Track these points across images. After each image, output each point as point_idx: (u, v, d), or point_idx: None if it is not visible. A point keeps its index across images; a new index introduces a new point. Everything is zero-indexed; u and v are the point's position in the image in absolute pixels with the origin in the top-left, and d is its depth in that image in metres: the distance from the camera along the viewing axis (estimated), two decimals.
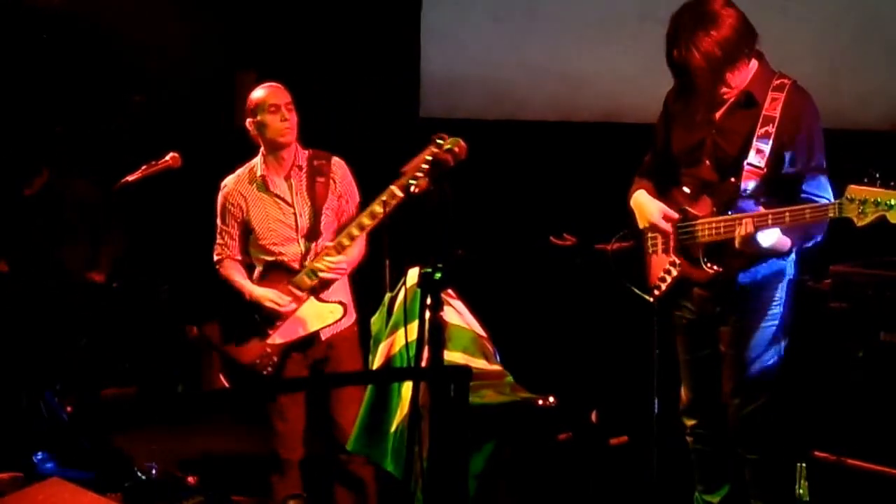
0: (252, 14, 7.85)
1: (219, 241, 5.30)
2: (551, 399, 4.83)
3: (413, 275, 4.87)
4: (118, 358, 6.67)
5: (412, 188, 4.38)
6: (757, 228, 4.12)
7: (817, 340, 4.94)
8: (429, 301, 3.86)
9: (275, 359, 5.13)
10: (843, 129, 5.13)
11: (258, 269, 5.24)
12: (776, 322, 4.41)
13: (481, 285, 5.31)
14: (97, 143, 7.32)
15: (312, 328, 5.14)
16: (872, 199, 3.83)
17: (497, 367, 4.91)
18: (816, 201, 4.17)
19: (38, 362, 5.97)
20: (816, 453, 4.81)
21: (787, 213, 4.07)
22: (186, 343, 7.18)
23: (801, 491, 4.66)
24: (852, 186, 3.88)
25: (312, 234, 5.13)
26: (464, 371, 3.90)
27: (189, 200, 7.41)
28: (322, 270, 5.06)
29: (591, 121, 6.69)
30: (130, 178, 5.35)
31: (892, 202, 3.81)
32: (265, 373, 5.12)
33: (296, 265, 5.13)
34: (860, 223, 3.87)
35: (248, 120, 5.15)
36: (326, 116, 7.60)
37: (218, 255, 5.31)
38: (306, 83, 7.66)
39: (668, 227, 4.46)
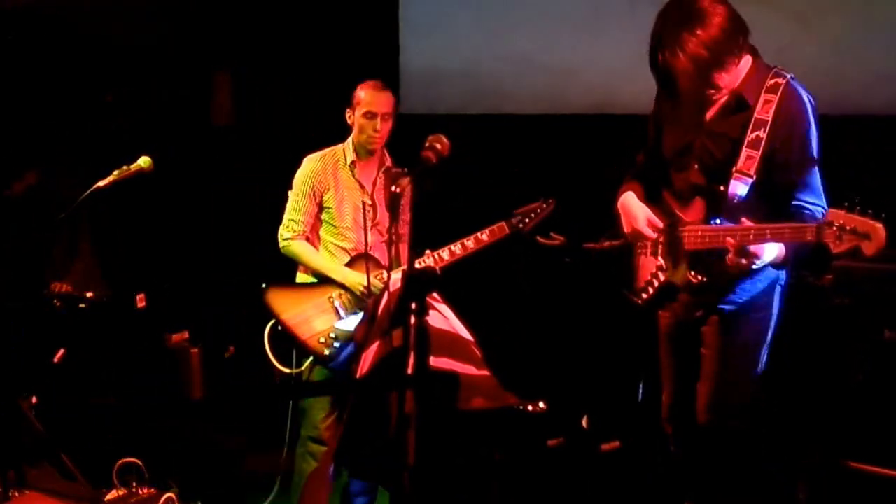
0: (228, 12, 7.74)
1: (293, 217, 5.37)
2: (541, 405, 4.76)
3: (396, 279, 4.78)
4: (96, 368, 6.56)
5: (520, 228, 5.16)
6: (741, 244, 3.97)
7: (819, 338, 4.83)
8: (413, 306, 3.75)
9: (338, 343, 5.17)
10: (848, 114, 5.03)
11: (332, 256, 5.31)
12: (758, 327, 4.29)
13: (467, 288, 5.21)
14: (69, 144, 7.20)
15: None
16: (850, 228, 3.68)
17: (485, 373, 4.82)
18: (810, 210, 4.05)
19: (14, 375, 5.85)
20: (818, 455, 4.70)
21: (769, 231, 3.92)
22: (165, 351, 7.09)
23: (801, 494, 4.58)
24: (833, 211, 3.74)
25: (395, 234, 5.12)
26: (451, 378, 3.81)
27: (164, 204, 7.32)
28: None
29: (579, 113, 6.60)
30: (102, 183, 5.24)
31: (868, 234, 3.65)
32: (323, 353, 5.15)
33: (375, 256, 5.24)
34: (836, 250, 3.74)
35: (348, 109, 5.33)
36: (305, 113, 7.50)
37: (291, 231, 5.37)
38: (284, 80, 7.60)
39: (652, 234, 4.33)
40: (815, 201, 4.07)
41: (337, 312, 5.20)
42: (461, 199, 6.39)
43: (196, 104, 7.82)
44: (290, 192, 5.41)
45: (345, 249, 5.30)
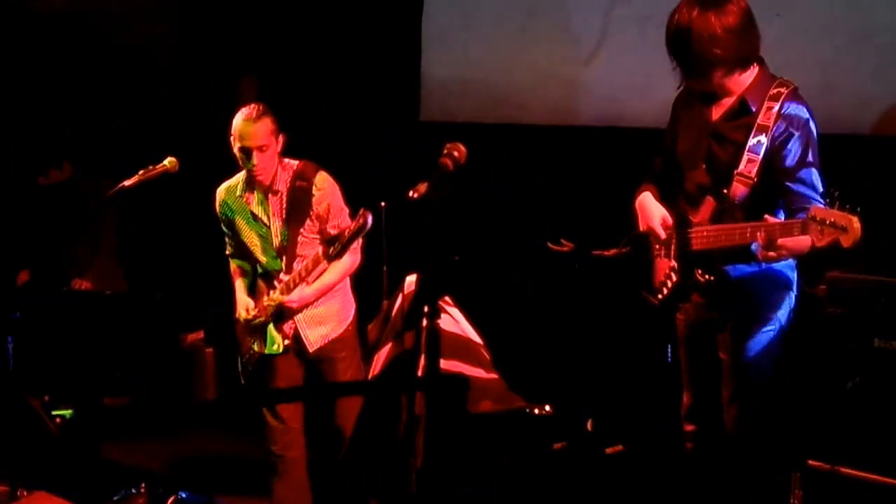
0: (254, 18, 7.83)
1: (226, 239, 5.36)
2: (547, 408, 4.81)
3: (410, 282, 4.85)
4: (111, 367, 6.64)
5: (334, 255, 4.63)
6: (750, 241, 4.09)
7: (813, 346, 4.90)
8: (426, 309, 3.81)
9: (250, 367, 5.22)
10: (837, 133, 5.09)
11: (265, 282, 5.27)
12: (774, 329, 4.37)
13: (478, 292, 5.28)
14: (95, 144, 7.29)
15: (267, 351, 5.15)
16: (830, 221, 3.80)
17: (494, 376, 4.89)
18: (800, 199, 4.13)
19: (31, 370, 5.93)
20: (811, 462, 4.76)
21: (763, 228, 4.02)
22: (180, 351, 7.15)
23: (794, 501, 4.63)
24: (815, 207, 3.89)
25: (290, 255, 5.08)
26: (460, 380, 3.87)
27: (188, 206, 7.41)
28: (270, 304, 5.05)
29: (592, 125, 6.64)
30: (127, 182, 5.29)
31: (844, 226, 3.77)
32: (247, 373, 5.23)
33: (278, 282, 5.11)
34: (819, 244, 3.86)
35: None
36: (326, 120, 7.59)
37: (227, 252, 5.38)
38: (306, 87, 7.69)
39: (664, 233, 4.44)
40: (807, 192, 4.15)
41: (242, 336, 5.26)
42: (476, 206, 6.47)
43: (221, 108, 7.89)
44: None
45: (265, 274, 5.24)
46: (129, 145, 7.30)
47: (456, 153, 3.97)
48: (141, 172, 5.26)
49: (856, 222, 3.77)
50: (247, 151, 4.97)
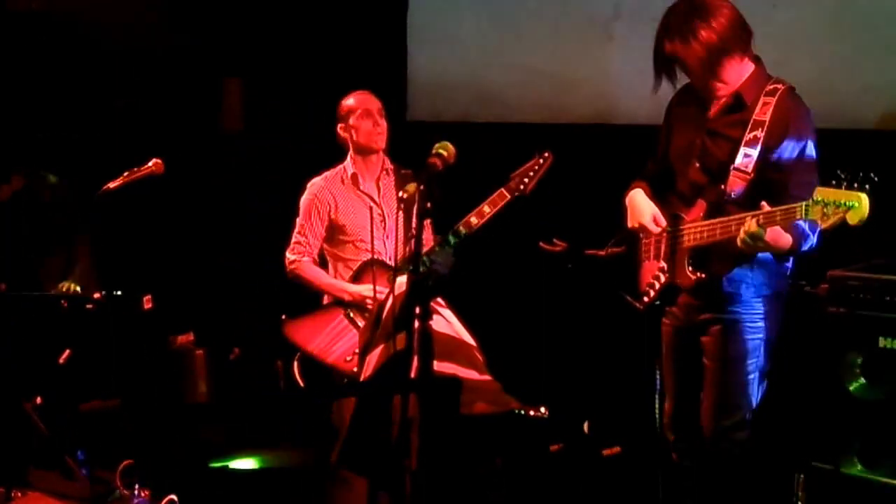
0: (238, 19, 7.79)
1: (299, 239, 5.39)
2: (543, 410, 4.79)
3: (401, 283, 4.81)
4: (101, 370, 6.59)
5: (521, 190, 5.08)
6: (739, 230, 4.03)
7: (815, 346, 4.86)
8: (417, 310, 3.80)
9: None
10: (838, 128, 5.06)
11: (349, 271, 5.31)
12: (760, 336, 4.32)
13: (470, 293, 5.25)
14: (79, 147, 7.24)
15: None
16: (834, 201, 3.74)
17: (487, 378, 4.85)
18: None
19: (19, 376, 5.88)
20: (815, 463, 4.72)
21: (761, 217, 3.97)
22: (169, 353, 7.10)
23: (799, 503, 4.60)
24: (819, 188, 3.81)
25: (405, 235, 5.12)
26: (453, 382, 3.84)
27: (172, 207, 7.36)
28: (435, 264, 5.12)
29: (581, 122, 6.61)
30: (112, 184, 5.30)
31: (853, 203, 3.71)
32: (353, 371, 5.12)
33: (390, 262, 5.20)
34: (824, 226, 3.79)
35: (339, 125, 5.36)
36: (313, 120, 7.54)
37: (297, 254, 5.39)
38: (291, 88, 7.64)
39: (656, 229, 4.39)
40: (808, 197, 4.10)
41: (357, 328, 5.21)
42: (464, 205, 6.43)
43: (206, 110, 7.86)
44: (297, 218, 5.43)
45: (362, 262, 5.30)
46: (111, 148, 7.24)
47: (445, 153, 3.99)
48: (125, 174, 5.32)
49: (864, 198, 3.71)
50: (369, 114, 5.30)
